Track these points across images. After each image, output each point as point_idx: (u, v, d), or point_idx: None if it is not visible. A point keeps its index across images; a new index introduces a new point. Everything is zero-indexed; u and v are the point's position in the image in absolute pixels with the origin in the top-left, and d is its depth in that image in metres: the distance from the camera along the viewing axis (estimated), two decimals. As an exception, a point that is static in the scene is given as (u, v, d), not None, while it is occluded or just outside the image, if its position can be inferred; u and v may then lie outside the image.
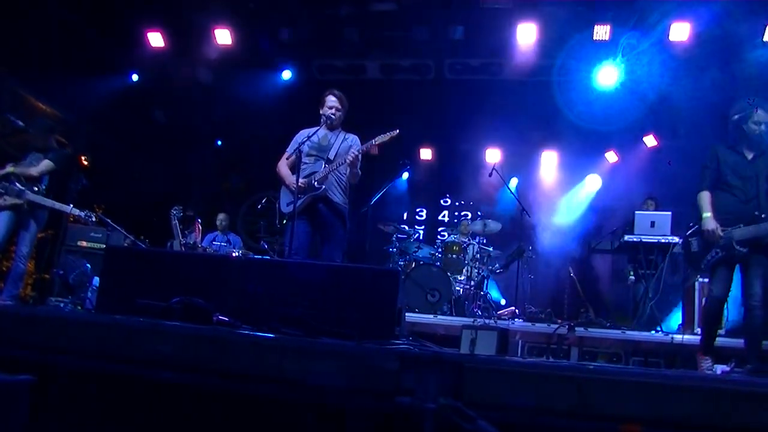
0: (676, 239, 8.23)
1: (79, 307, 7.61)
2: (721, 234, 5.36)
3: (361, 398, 2.62)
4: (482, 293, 9.61)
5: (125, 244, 9.24)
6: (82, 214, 7.20)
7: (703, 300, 7.00)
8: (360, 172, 6.26)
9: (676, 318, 8.84)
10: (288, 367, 2.77)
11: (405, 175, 12.87)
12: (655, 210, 9.33)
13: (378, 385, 2.58)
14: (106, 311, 4.14)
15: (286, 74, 11.88)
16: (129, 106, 11.81)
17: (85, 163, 11.58)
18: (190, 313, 3.79)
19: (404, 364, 2.58)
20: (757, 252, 5.34)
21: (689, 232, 5.81)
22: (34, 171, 7.17)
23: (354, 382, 2.62)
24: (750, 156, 5.57)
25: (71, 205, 7.23)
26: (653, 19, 9.34)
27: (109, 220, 9.14)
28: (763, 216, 5.34)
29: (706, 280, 7.05)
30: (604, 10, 9.51)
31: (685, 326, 8.09)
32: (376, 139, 6.05)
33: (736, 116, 5.61)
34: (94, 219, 7.29)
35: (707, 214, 5.47)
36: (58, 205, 7.20)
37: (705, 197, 5.58)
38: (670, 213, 8.72)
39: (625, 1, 9.43)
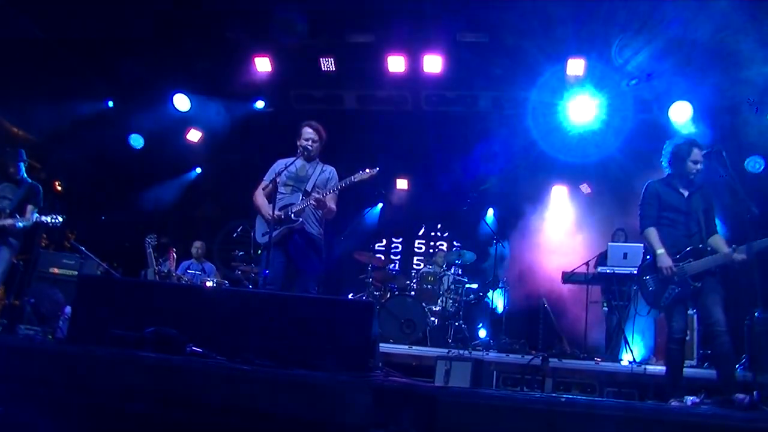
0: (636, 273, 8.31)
1: (51, 337, 7.49)
2: (675, 270, 5.44)
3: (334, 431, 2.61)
4: (457, 324, 9.60)
5: (98, 273, 9.15)
6: (48, 219, 7.09)
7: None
8: (335, 209, 6.26)
9: (648, 348, 8.90)
10: (260, 399, 2.76)
11: (380, 205, 12.93)
12: (626, 242, 9.43)
13: (350, 418, 2.58)
14: (78, 341, 4.10)
15: (259, 104, 11.97)
16: (104, 132, 11.75)
17: (59, 188, 11.48)
18: (162, 343, 3.76)
19: (377, 397, 2.58)
20: (706, 280, 5.40)
21: (641, 271, 5.86)
22: (21, 223, 7.08)
23: (326, 415, 2.61)
24: (686, 194, 5.67)
25: (35, 215, 7.12)
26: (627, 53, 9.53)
27: (82, 248, 9.06)
28: (708, 249, 5.45)
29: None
30: (578, 45, 9.68)
31: (659, 357, 8.15)
32: (355, 176, 6.04)
33: (676, 154, 5.70)
34: (60, 220, 7.16)
35: (661, 251, 5.52)
36: (21, 222, 7.08)
37: (653, 234, 5.63)
38: (642, 245, 8.79)
39: (599, 36, 9.60)
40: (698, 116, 9.65)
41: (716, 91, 9.35)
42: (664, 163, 5.82)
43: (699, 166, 5.61)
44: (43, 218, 7.07)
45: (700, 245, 5.48)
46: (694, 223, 5.58)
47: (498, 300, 9.95)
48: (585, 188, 12.26)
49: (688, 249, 5.50)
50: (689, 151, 5.62)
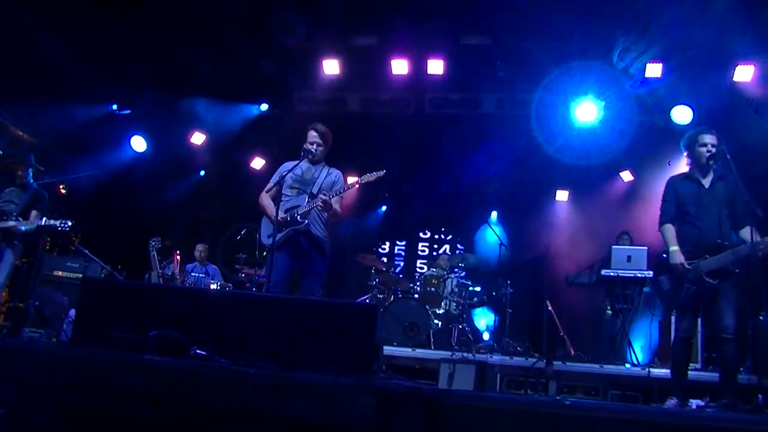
0: (652, 273, 8.28)
1: (54, 340, 7.50)
2: (688, 267, 5.38)
3: (337, 434, 2.61)
4: (460, 327, 9.59)
5: (102, 275, 9.15)
6: (57, 223, 7.09)
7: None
8: (341, 212, 6.24)
9: (652, 351, 8.89)
10: (264, 402, 2.76)
11: (384, 208, 12.93)
12: (630, 245, 9.42)
13: (354, 421, 2.58)
14: (82, 344, 4.10)
15: (263, 106, 11.99)
16: (109, 135, 11.77)
17: (63, 191, 11.49)
18: (166, 346, 3.77)
19: (380, 400, 2.57)
20: (723, 281, 5.31)
21: (656, 270, 5.84)
22: (25, 227, 7.08)
23: (329, 419, 2.61)
24: (707, 183, 5.59)
25: (43, 218, 7.12)
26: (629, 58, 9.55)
27: (86, 251, 9.06)
28: (726, 243, 5.34)
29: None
30: (581, 47, 9.68)
31: (662, 360, 8.13)
32: (362, 178, 6.02)
33: (687, 144, 5.69)
34: (69, 225, 7.15)
35: (674, 248, 5.47)
36: (27, 224, 7.09)
37: (669, 230, 5.60)
38: (646, 248, 8.79)
39: (602, 39, 9.60)
40: (699, 119, 9.62)
41: (717, 93, 9.34)
42: (686, 156, 5.78)
43: (711, 149, 5.52)
44: (52, 222, 7.08)
45: (718, 240, 5.36)
46: (714, 215, 5.47)
47: (501, 302, 9.89)
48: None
49: (703, 244, 5.40)
50: (696, 137, 5.61)
